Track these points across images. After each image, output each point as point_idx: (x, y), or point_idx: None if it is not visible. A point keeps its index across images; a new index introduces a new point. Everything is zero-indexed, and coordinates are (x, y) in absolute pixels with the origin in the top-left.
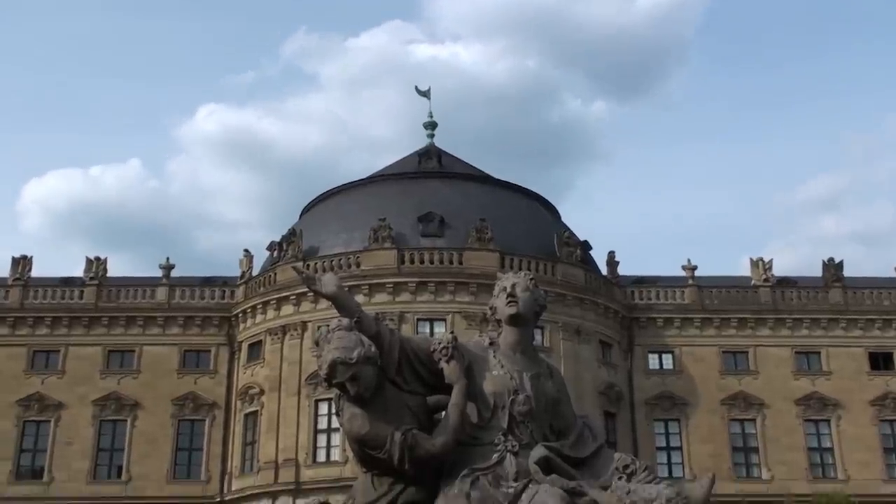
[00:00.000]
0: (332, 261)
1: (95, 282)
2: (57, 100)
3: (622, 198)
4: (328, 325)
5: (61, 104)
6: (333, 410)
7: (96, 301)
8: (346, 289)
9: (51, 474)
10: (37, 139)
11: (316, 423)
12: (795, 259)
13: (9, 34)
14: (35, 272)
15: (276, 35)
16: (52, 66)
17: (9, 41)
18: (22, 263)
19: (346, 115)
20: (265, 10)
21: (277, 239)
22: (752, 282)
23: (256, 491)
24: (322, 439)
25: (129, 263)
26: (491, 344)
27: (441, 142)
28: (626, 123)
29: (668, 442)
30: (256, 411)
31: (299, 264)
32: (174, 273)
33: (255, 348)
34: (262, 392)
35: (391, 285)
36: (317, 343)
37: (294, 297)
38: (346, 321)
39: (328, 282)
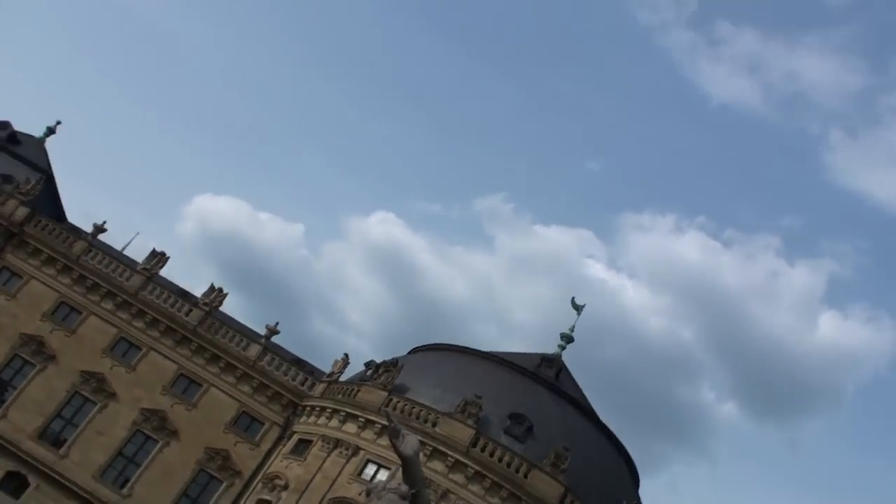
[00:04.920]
0: (413, 407)
1: (207, 308)
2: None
3: (707, 500)
4: (380, 465)
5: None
6: None
7: (196, 324)
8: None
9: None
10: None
11: None
12: None
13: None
14: (164, 272)
15: (479, 187)
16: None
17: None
18: (158, 259)
19: (499, 286)
20: (482, 160)
21: (378, 360)
22: None
23: None
24: None
25: (242, 305)
26: None
27: (568, 357)
28: (748, 436)
29: None
30: (270, 502)
31: (390, 408)
32: (275, 338)
33: (303, 445)
34: (284, 487)
35: (453, 461)
36: (367, 493)
37: (363, 420)
38: (404, 488)
39: (410, 444)
